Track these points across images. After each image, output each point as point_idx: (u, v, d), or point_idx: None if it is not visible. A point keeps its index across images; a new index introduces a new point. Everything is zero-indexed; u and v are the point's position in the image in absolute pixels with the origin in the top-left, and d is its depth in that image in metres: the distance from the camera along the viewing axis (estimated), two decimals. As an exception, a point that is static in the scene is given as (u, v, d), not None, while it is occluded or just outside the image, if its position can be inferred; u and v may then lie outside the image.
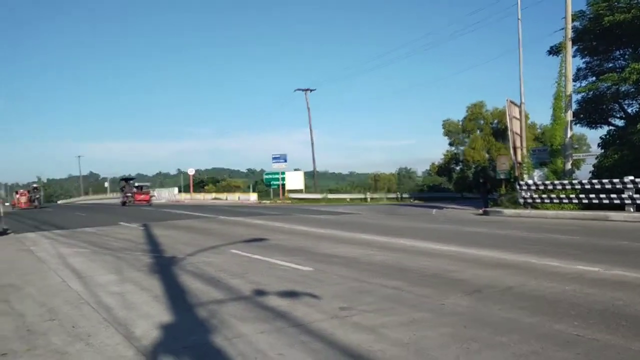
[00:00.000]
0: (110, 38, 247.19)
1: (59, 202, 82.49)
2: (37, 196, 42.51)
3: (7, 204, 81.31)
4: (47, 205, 50.16)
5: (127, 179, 42.48)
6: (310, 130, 41.24)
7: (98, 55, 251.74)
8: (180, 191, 57.34)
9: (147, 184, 48.03)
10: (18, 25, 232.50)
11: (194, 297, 6.05)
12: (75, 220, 21.14)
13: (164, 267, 8.34)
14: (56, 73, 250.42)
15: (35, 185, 47.10)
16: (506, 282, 6.55)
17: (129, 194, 39.46)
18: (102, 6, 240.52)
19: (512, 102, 21.55)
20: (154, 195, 46.82)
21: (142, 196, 39.61)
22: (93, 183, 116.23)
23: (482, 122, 43.94)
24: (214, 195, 52.36)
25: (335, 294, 5.99)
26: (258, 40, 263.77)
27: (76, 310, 5.51)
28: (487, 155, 42.75)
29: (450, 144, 46.52)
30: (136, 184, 41.98)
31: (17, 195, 42.05)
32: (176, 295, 6.21)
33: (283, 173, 45.49)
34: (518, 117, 21.75)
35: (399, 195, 44.38)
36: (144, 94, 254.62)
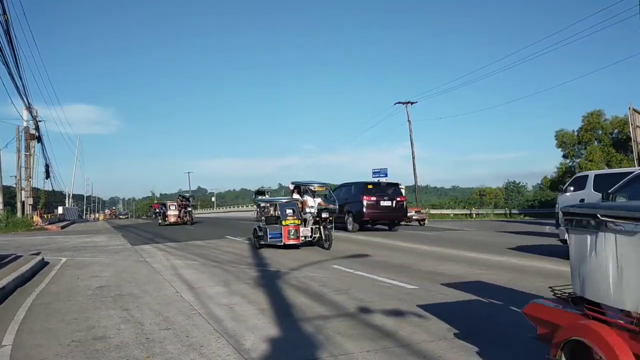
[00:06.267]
0: (210, 69, 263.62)
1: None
2: (189, 209, 31.03)
3: (122, 216, 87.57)
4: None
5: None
6: (412, 143, 40.42)
7: (204, 86, 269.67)
8: (281, 206, 58.90)
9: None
10: (137, 53, 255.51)
11: (299, 311, 6.08)
12: (186, 233, 22.42)
13: (269, 280, 8.52)
14: (168, 98, 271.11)
15: (186, 194, 34.81)
16: None
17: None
18: (202, 37, 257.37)
19: (635, 109, 19.73)
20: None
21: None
22: (201, 198, 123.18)
23: (600, 132, 40.72)
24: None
25: (442, 314, 5.73)
26: (360, 55, 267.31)
27: (189, 320, 5.75)
28: (606, 168, 39.53)
29: (565, 156, 43.55)
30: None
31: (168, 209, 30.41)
32: (282, 309, 6.29)
33: (383, 188, 45.04)
34: (643, 125, 19.84)
35: (508, 211, 42.13)
36: (248, 113, 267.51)
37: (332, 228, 13.58)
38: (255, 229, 14.10)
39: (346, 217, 20.84)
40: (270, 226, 13.54)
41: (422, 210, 30.07)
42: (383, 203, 20.88)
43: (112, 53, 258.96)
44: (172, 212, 29.96)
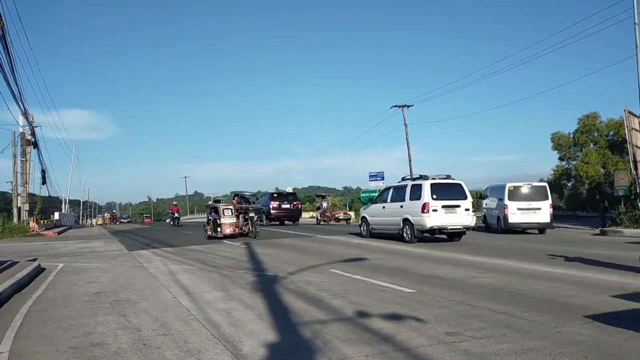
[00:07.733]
0: (209, 72, 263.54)
1: (167, 220, 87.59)
2: (251, 215, 21.25)
3: (123, 220, 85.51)
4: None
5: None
6: (408, 146, 40.45)
7: (201, 89, 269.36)
8: (278, 210, 58.81)
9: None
10: (135, 60, 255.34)
11: (297, 316, 6.08)
12: (182, 238, 22.36)
13: (267, 285, 8.51)
14: (165, 102, 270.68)
15: (246, 193, 24.70)
16: (632, 309, 5.91)
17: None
18: (198, 41, 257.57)
19: (630, 112, 19.83)
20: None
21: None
22: (198, 202, 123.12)
23: (595, 134, 40.90)
24: (310, 213, 53.03)
25: (440, 318, 5.74)
26: (356, 57, 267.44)
27: (186, 325, 5.74)
28: (602, 170, 39.61)
29: (561, 159, 43.72)
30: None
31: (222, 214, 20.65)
32: (279, 313, 6.28)
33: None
34: (638, 128, 19.95)
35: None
36: (245, 116, 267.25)
37: None
38: None
39: (262, 215, 29.64)
40: None
41: (347, 212, 39.02)
42: (284, 206, 32.18)
43: (108, 58, 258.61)
44: (228, 220, 20.50)
